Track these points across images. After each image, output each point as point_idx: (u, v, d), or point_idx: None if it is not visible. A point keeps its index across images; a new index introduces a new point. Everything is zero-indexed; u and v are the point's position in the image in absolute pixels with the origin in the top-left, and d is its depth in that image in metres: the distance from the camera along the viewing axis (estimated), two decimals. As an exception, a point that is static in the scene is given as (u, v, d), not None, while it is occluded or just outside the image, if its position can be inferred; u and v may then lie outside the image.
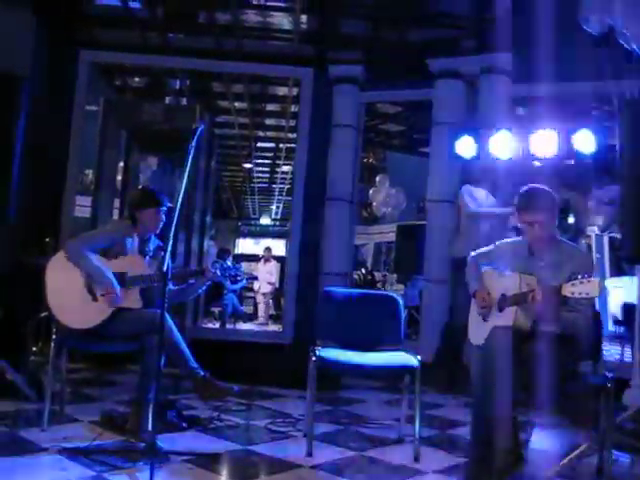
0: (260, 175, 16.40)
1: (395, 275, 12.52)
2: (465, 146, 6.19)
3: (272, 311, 12.81)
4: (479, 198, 5.91)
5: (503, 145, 6.06)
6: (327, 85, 7.15)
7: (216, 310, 11.15)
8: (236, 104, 9.81)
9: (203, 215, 7.34)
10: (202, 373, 3.71)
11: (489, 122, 6.29)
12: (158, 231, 3.97)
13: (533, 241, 3.33)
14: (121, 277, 3.71)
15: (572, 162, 8.73)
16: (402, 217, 13.09)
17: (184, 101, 9.42)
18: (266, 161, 14.57)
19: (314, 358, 3.58)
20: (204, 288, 4.06)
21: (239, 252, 20.54)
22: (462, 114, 6.64)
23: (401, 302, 4.06)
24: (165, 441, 3.46)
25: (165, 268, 3.05)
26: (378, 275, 12.77)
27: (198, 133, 3.45)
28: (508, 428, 3.05)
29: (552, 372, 3.07)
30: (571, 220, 9.21)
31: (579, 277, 2.87)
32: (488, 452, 3.13)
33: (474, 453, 3.18)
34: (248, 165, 14.65)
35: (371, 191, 13.28)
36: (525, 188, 3.37)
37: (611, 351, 7.48)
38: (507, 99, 6.57)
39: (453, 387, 5.63)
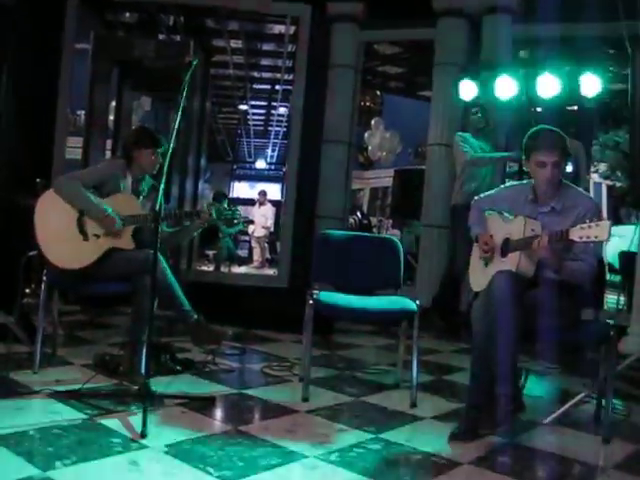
0: (256, 117, 16.10)
1: (390, 220, 12.44)
2: (467, 88, 6.05)
3: (267, 255, 12.78)
4: (473, 144, 5.79)
5: (505, 88, 5.93)
6: (325, 23, 6.92)
7: (211, 253, 11.10)
8: (231, 43, 9.52)
9: (197, 157, 7.18)
10: (196, 316, 3.64)
11: (492, 63, 6.12)
12: (153, 172, 3.84)
13: (541, 184, 3.21)
14: (115, 216, 3.60)
15: (575, 108, 8.59)
16: (398, 162, 12.93)
17: (178, 39, 9.15)
18: (262, 103, 14.27)
19: (311, 301, 3.51)
20: (199, 231, 3.95)
21: (234, 196, 20.39)
22: (465, 55, 6.45)
23: (400, 245, 3.97)
24: (158, 384, 3.41)
25: (158, 207, 2.94)
26: (374, 220, 12.67)
27: (192, 68, 3.30)
28: (509, 374, 2.99)
29: (554, 319, 3.01)
30: (569, 168, 9.10)
31: (587, 221, 2.77)
32: (487, 398, 3.09)
33: (473, 399, 3.14)
34: (243, 107, 14.35)
35: (366, 134, 13.06)
36: (536, 128, 3.23)
37: (607, 299, 7.46)
38: (511, 40, 6.37)
39: (449, 333, 5.61)
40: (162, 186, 3.02)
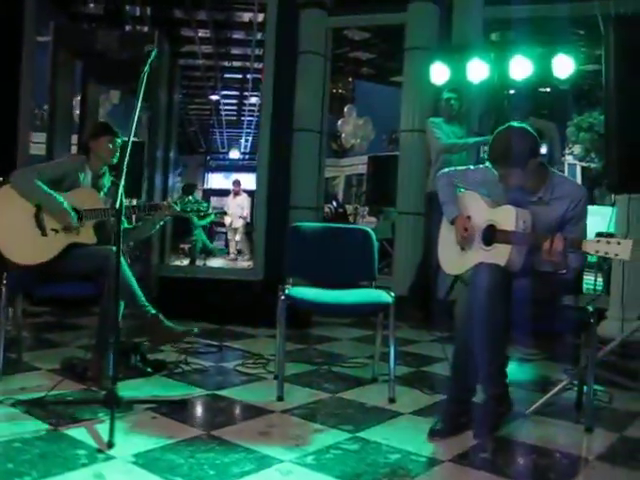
0: (228, 108, 15.93)
1: (367, 208, 12.35)
2: (438, 72, 5.95)
3: (246, 246, 12.64)
4: (446, 130, 5.70)
5: (477, 71, 5.84)
6: (293, 9, 6.77)
7: (186, 247, 10.94)
8: (200, 32, 9.33)
9: (166, 150, 7.00)
10: (153, 312, 3.49)
11: (463, 47, 6.02)
12: (112, 162, 3.70)
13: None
14: (75, 211, 3.46)
15: (548, 90, 8.55)
16: (372, 149, 12.83)
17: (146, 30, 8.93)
18: (233, 93, 14.10)
19: (283, 297, 3.40)
20: (161, 224, 3.79)
21: (208, 187, 20.21)
22: (436, 39, 6.35)
23: (374, 236, 3.85)
24: (128, 388, 3.29)
25: (118, 204, 2.81)
26: (349, 208, 12.58)
27: (152, 57, 3.17)
28: (497, 375, 2.89)
29: (535, 309, 2.91)
30: (544, 150, 9.04)
31: (605, 237, 2.65)
32: (468, 391, 3.01)
33: (453, 392, 3.05)
34: (214, 97, 14.16)
35: (339, 122, 12.91)
36: (496, 134, 3.01)
37: (584, 280, 7.43)
38: (482, 22, 6.29)
39: (427, 322, 5.53)
40: (122, 182, 2.89)
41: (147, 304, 3.48)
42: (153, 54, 3.18)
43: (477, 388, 3.02)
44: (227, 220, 12.57)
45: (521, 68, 5.68)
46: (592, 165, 8.58)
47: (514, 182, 3.00)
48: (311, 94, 6.74)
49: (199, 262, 10.35)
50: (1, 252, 3.37)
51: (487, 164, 3.23)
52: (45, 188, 3.42)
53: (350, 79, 12.96)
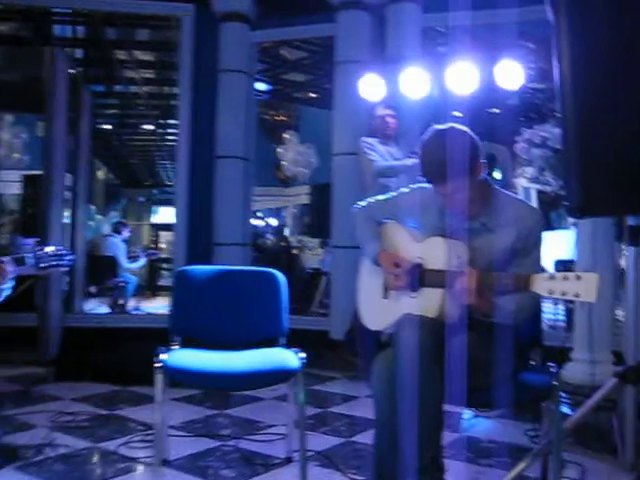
0: (170, 138, 15.11)
1: (316, 240, 11.66)
2: (371, 86, 5.28)
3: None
4: (381, 151, 5.04)
5: (415, 85, 5.18)
6: (212, 24, 6.07)
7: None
8: (120, 54, 8.54)
9: (74, 183, 6.14)
10: None
11: (398, 58, 5.38)
12: None
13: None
14: None
15: (497, 111, 7.98)
16: (318, 177, 12.11)
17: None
18: (175, 121, 13.30)
19: (157, 364, 2.62)
20: (12, 286, 2.87)
21: (159, 222, 19.29)
22: (369, 51, 5.68)
23: (282, 280, 3.08)
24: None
25: None
26: (294, 240, 11.82)
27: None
28: (431, 467, 2.13)
29: (478, 374, 2.18)
30: (498, 176, 8.45)
31: (563, 270, 1.96)
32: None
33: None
34: (150, 127, 13.34)
35: (280, 150, 12.13)
36: (425, 141, 2.29)
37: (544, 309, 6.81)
38: (418, 31, 5.65)
39: (367, 373, 4.77)
40: None
41: None
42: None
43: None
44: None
45: (465, 79, 5.02)
46: (548, 188, 8.01)
47: (463, 198, 2.26)
48: (235, 117, 6.00)
49: (131, 306, 9.32)
50: None
51: (418, 185, 2.53)
52: None
53: (291, 103, 12.25)
